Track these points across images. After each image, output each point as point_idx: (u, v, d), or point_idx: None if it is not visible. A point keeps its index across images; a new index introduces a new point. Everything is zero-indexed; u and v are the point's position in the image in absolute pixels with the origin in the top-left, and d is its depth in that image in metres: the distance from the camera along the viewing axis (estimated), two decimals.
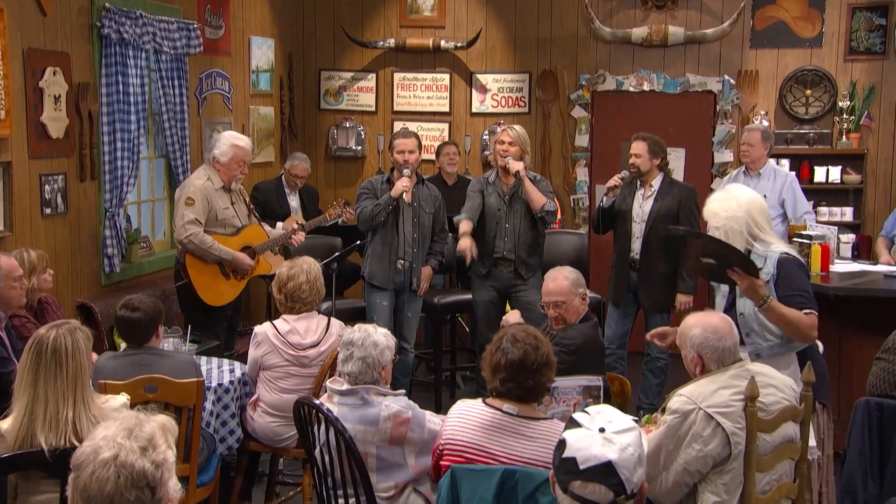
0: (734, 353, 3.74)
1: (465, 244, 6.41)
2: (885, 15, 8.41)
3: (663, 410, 3.79)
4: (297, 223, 6.66)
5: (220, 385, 4.95)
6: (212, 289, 6.19)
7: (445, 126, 9.15)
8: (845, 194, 8.51)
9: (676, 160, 8.79)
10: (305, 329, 5.04)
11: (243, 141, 6.37)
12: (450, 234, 7.12)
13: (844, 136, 8.43)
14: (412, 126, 8.99)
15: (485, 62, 9.12)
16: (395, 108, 9.26)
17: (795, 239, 6.34)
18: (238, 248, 6.28)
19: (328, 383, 4.07)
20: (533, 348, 3.50)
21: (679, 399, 3.66)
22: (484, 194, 6.68)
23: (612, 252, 6.84)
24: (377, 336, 4.02)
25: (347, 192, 9.28)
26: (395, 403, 3.93)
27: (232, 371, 5.18)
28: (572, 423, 2.47)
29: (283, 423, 5.02)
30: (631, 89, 8.90)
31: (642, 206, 6.68)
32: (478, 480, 3.35)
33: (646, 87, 8.85)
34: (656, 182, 6.69)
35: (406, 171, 6.58)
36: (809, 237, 6.22)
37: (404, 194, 6.53)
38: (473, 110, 9.16)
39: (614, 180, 6.63)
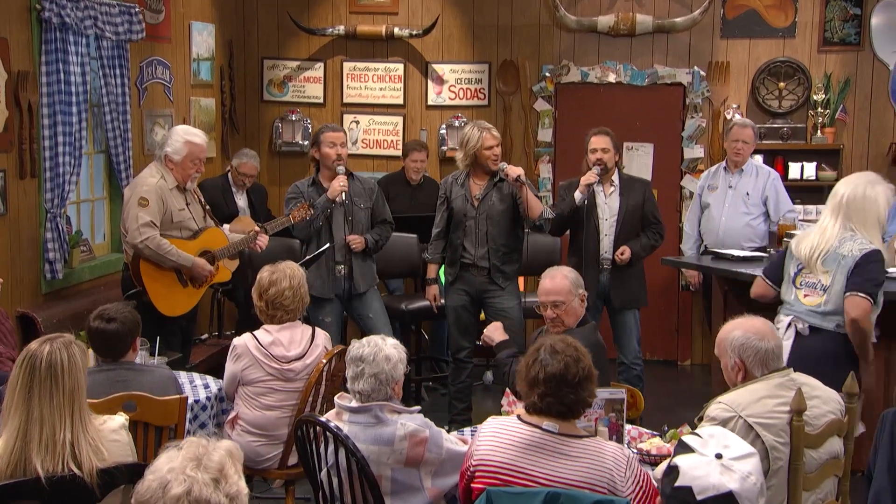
0: (778, 357, 3.74)
1: (431, 293, 6.72)
2: (859, 4, 8.55)
3: (700, 419, 3.77)
4: (259, 226, 6.48)
5: (196, 402, 4.80)
6: (168, 298, 6.00)
7: (399, 119, 9.05)
8: (820, 192, 8.62)
9: (644, 156, 8.85)
10: (289, 340, 4.91)
11: (199, 137, 6.20)
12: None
13: (819, 131, 8.55)
14: (364, 119, 8.94)
15: (441, 51, 9.04)
16: (345, 100, 9.13)
17: (786, 239, 6.36)
18: (196, 252, 6.11)
19: (337, 399, 3.94)
20: (574, 360, 3.42)
21: (718, 406, 3.65)
22: (449, 199, 6.60)
23: (572, 254, 6.83)
24: (388, 349, 3.92)
25: None
26: (411, 422, 3.83)
27: (207, 386, 5.02)
28: (683, 448, 2.39)
29: (264, 443, 4.88)
30: (596, 81, 8.89)
31: (608, 203, 6.74)
32: None
33: (612, 79, 8.86)
34: (615, 177, 6.81)
35: (340, 169, 6.48)
36: None
37: (343, 194, 6.41)
38: (429, 103, 9.07)
39: (593, 177, 6.62)
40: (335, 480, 3.84)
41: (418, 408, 3.98)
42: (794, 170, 8.53)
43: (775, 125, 8.60)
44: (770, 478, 3.53)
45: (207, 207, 6.38)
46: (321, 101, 9.16)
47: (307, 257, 6.16)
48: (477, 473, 3.45)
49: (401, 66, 9.05)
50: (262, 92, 9.22)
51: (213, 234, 6.22)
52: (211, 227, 6.24)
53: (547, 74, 8.92)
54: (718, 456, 2.32)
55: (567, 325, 4.80)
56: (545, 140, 8.97)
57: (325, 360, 4.87)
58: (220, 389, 4.97)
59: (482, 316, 6.72)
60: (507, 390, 4.67)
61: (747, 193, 7.36)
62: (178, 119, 7.99)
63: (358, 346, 3.95)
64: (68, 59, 6.29)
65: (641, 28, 8.70)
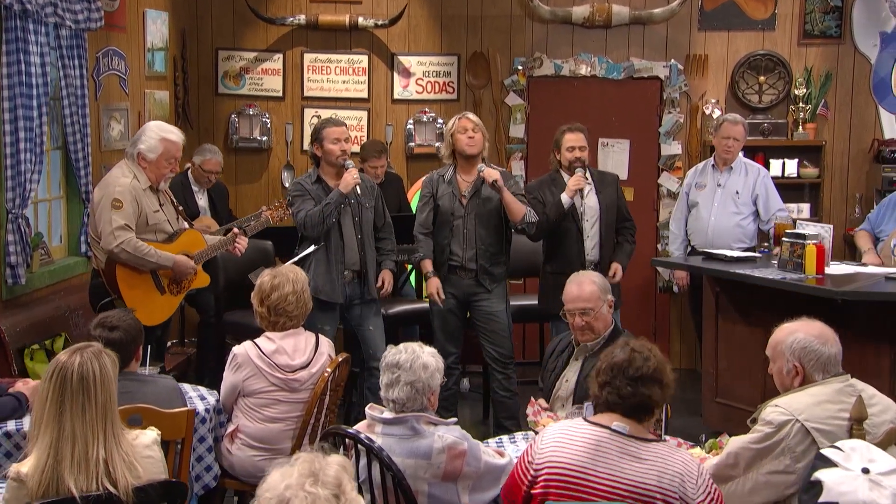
0: (837, 364, 3.81)
1: (433, 286, 6.52)
2: None
3: (753, 421, 3.84)
4: (239, 228, 6.42)
5: (196, 414, 4.73)
6: (146, 306, 5.92)
7: (364, 114, 9.03)
8: (801, 189, 8.81)
9: (620, 153, 8.95)
10: (293, 348, 4.88)
11: (174, 134, 6.13)
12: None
13: (801, 127, 8.72)
14: (326, 114, 8.85)
15: (408, 43, 9.05)
16: (306, 94, 9.08)
17: (786, 239, 6.50)
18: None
19: (368, 410, 3.93)
20: (642, 357, 3.46)
21: (774, 410, 3.72)
22: (435, 197, 6.60)
23: (553, 259, 6.87)
24: (426, 357, 3.92)
25: (251, 190, 9.08)
26: (449, 434, 3.84)
27: (203, 398, 4.97)
28: (823, 461, 2.41)
29: (266, 457, 4.84)
30: (570, 74, 8.97)
31: (586, 203, 6.78)
32: None
33: (587, 72, 8.94)
34: (587, 174, 6.83)
35: (348, 163, 6.47)
36: (803, 236, 6.39)
37: (357, 188, 6.40)
38: (395, 97, 9.06)
39: (583, 181, 6.68)
40: (367, 497, 3.83)
41: (455, 419, 3.99)
42: (775, 167, 8.68)
43: (755, 121, 8.75)
44: None
45: (181, 209, 6.31)
46: (280, 94, 9.10)
47: (291, 260, 6.10)
48: (541, 478, 3.42)
49: (365, 58, 9.03)
50: (216, 84, 9.13)
51: (192, 237, 6.15)
52: (188, 230, 6.18)
53: (519, 67, 8.97)
54: (865, 471, 2.34)
55: (597, 333, 4.81)
56: (517, 136, 9.02)
57: (329, 370, 4.85)
58: (217, 401, 4.92)
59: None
60: (532, 399, 4.69)
61: (737, 192, 7.48)
62: (133, 113, 7.89)
63: (394, 353, 3.94)
64: (29, 48, 6.18)
65: (618, 19, 8.80)
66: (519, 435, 4.58)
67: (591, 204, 6.76)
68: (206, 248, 6.19)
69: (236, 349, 4.88)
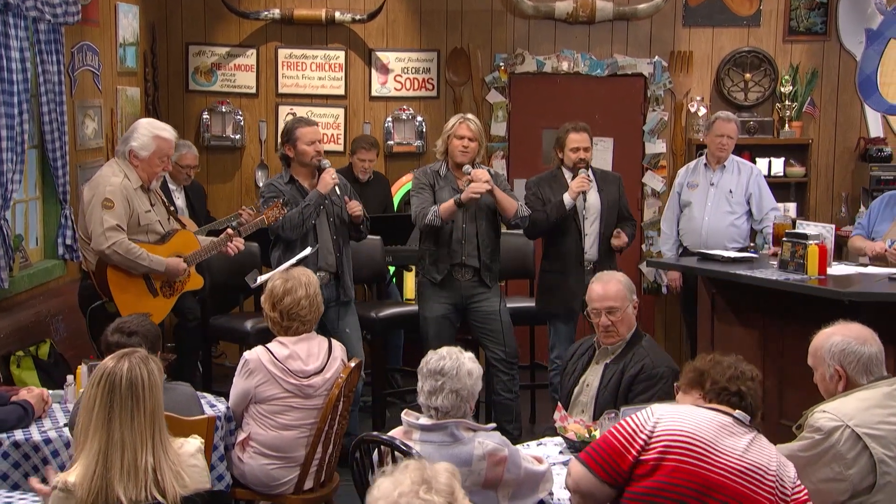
0: (880, 364, 3.89)
1: (473, 188, 6.41)
2: None
3: (799, 428, 3.92)
4: (233, 228, 6.43)
5: None
6: (138, 308, 5.87)
7: (340, 112, 9.06)
8: (787, 188, 8.97)
9: (604, 151, 9.05)
10: (307, 353, 4.91)
11: (167, 132, 6.14)
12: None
13: (787, 125, 8.89)
14: (301, 112, 8.89)
15: (386, 38, 9.09)
16: (280, 91, 9.09)
17: (786, 240, 6.61)
18: (167, 257, 6.03)
19: (405, 416, 3.98)
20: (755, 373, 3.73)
21: (823, 415, 3.78)
22: (434, 189, 6.65)
23: (551, 258, 6.97)
24: (469, 364, 3.97)
25: (223, 190, 9.06)
26: (489, 440, 3.89)
27: (213, 406, 4.98)
28: None
29: (280, 466, 4.88)
30: (552, 71, 9.06)
31: (587, 200, 6.88)
32: None
33: (569, 69, 9.04)
34: (590, 173, 6.95)
35: (325, 163, 6.51)
36: (805, 237, 6.50)
37: (336, 188, 6.44)
38: (373, 94, 9.10)
39: (586, 183, 6.76)
40: None
41: (493, 425, 4.04)
42: (761, 165, 8.78)
43: (741, 118, 8.85)
44: (876, 493, 3.69)
45: (172, 209, 6.31)
46: (254, 91, 9.10)
47: (288, 263, 6.09)
48: (657, 444, 3.46)
49: (342, 54, 9.06)
50: (187, 81, 9.11)
51: (184, 238, 6.16)
52: (181, 230, 6.18)
53: (500, 64, 9.04)
54: None
55: (621, 335, 4.88)
56: (499, 134, 9.09)
57: (343, 375, 4.89)
58: (227, 408, 4.93)
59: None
60: (559, 404, 4.76)
61: (730, 191, 7.60)
62: (106, 111, 7.85)
63: (437, 359, 3.98)
64: (9, 43, 6.13)
65: (601, 15, 8.91)
66: (547, 440, 4.64)
67: (592, 203, 6.86)
68: (199, 250, 6.19)
69: (247, 354, 4.90)
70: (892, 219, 6.94)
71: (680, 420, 3.51)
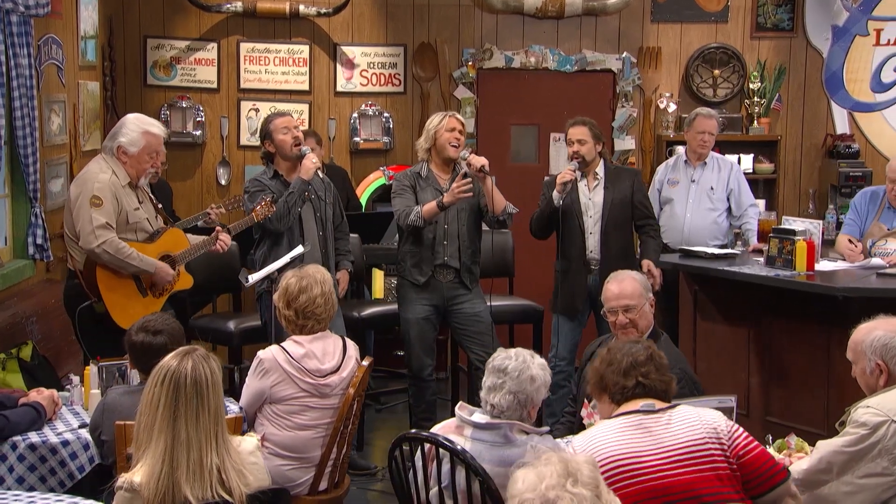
0: None
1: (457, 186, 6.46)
2: None
3: (842, 425, 4.08)
4: (221, 224, 6.46)
5: None
6: (126, 310, 5.91)
7: (305, 107, 9.11)
8: (755, 185, 9.20)
9: None
10: (322, 352, 4.98)
11: (156, 127, 6.16)
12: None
13: (756, 121, 9.14)
14: (264, 107, 8.94)
15: (351, 32, 9.16)
16: (243, 86, 9.11)
17: (773, 236, 6.82)
18: (157, 256, 6.05)
19: (458, 410, 4.08)
20: (657, 352, 3.87)
21: (867, 411, 3.95)
22: (416, 190, 6.73)
23: (560, 257, 7.06)
24: (535, 369, 4.06)
25: (184, 187, 9.05)
26: (542, 444, 3.98)
27: (226, 406, 5.01)
28: None
29: (296, 467, 4.95)
30: (521, 67, 9.21)
31: (591, 199, 6.98)
32: None
33: (538, 64, 9.19)
34: (600, 169, 7.03)
35: (305, 149, 6.58)
36: (793, 233, 6.72)
37: (318, 172, 6.53)
38: (338, 89, 9.17)
39: (569, 174, 6.85)
40: (449, 503, 3.97)
41: (547, 428, 4.15)
42: None
43: None
44: None
45: (160, 206, 6.32)
46: (215, 85, 9.11)
47: (281, 261, 6.13)
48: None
49: (306, 48, 9.11)
50: (145, 75, 9.09)
51: (174, 236, 6.17)
52: (171, 229, 6.19)
53: (468, 59, 9.17)
54: None
55: (640, 332, 5.02)
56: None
57: (359, 374, 4.97)
58: (240, 409, 4.99)
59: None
60: (585, 401, 4.89)
61: (711, 188, 7.78)
62: (69, 105, 7.81)
63: (504, 357, 4.09)
64: None
65: (570, 10, 9.08)
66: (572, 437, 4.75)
67: (596, 200, 6.94)
68: (188, 248, 6.21)
69: (262, 354, 4.95)
70: (875, 215, 7.18)
71: (599, 446, 3.65)
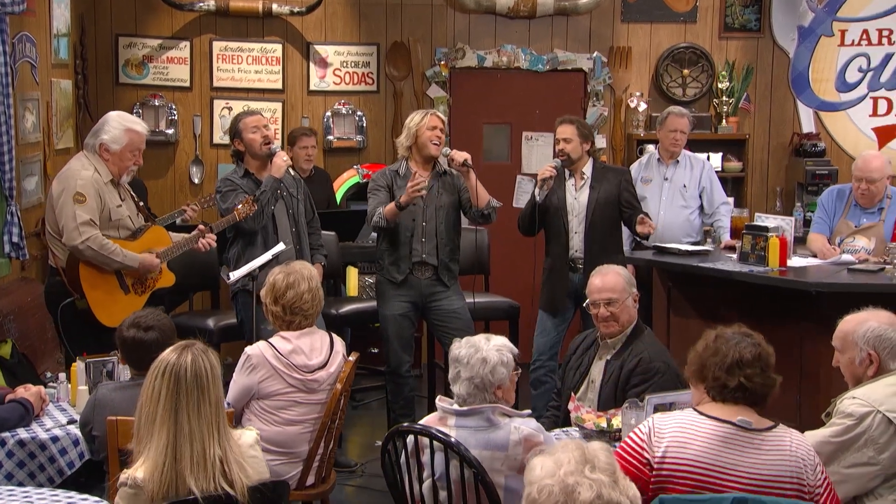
0: None
1: (412, 187, 6.43)
2: None
3: (828, 416, 4.14)
4: (204, 223, 6.45)
5: None
6: (109, 306, 5.91)
7: (278, 106, 9.10)
8: (725, 183, 9.26)
9: (545, 146, 9.26)
10: (310, 347, 4.99)
11: (139, 125, 6.16)
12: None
13: (724, 120, 9.23)
14: (237, 106, 8.92)
15: (324, 31, 9.16)
16: (215, 84, 9.09)
17: (746, 232, 6.89)
18: (140, 253, 6.03)
19: (439, 402, 4.11)
20: (766, 344, 3.72)
21: (853, 402, 4.01)
22: (392, 189, 6.74)
23: (547, 255, 7.09)
24: (488, 352, 4.07)
25: (157, 186, 9.02)
26: (525, 426, 4.03)
27: None
28: None
29: (284, 462, 4.95)
30: (493, 66, 9.25)
31: (577, 198, 6.99)
32: None
33: (510, 64, 9.24)
34: (588, 169, 7.04)
35: (275, 147, 6.62)
36: (765, 229, 6.79)
37: (289, 170, 6.58)
38: (312, 88, 9.17)
39: (548, 170, 6.89)
40: (442, 493, 3.99)
41: (528, 411, 4.18)
42: None
43: None
44: None
45: (141, 204, 6.30)
46: (187, 84, 9.07)
47: (262, 258, 6.13)
48: (663, 471, 3.57)
49: (279, 47, 9.10)
50: (117, 73, 9.04)
51: (156, 234, 6.16)
52: (153, 226, 6.18)
53: (441, 58, 9.20)
54: None
55: (621, 326, 5.06)
56: None
57: (346, 370, 4.99)
58: (228, 405, 4.97)
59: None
60: (572, 394, 4.92)
61: (684, 185, 7.84)
62: (43, 103, 7.76)
63: (457, 347, 4.12)
64: None
65: (542, 10, 9.13)
66: (572, 430, 4.79)
67: (581, 200, 6.95)
68: (171, 246, 6.20)
69: (249, 350, 4.95)
70: (842, 213, 7.28)
71: (682, 443, 3.61)
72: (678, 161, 7.86)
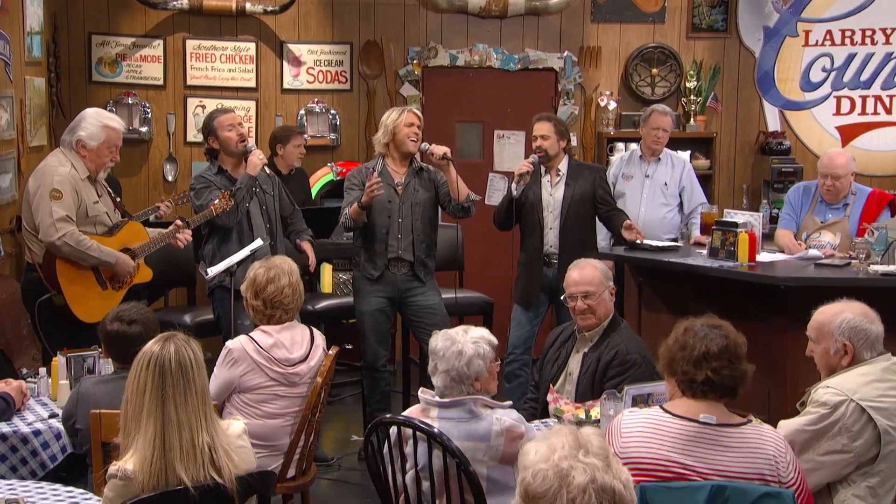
0: (881, 342, 4.19)
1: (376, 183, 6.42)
2: None
3: (802, 405, 4.19)
4: (181, 218, 6.43)
5: None
6: (87, 302, 5.88)
7: (252, 104, 9.07)
8: None
9: (516, 145, 9.29)
10: (291, 341, 4.98)
11: (116, 121, 6.14)
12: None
13: (692, 119, 9.29)
14: (211, 104, 8.87)
15: (298, 30, 9.14)
16: (189, 83, 9.05)
17: (716, 228, 6.94)
18: (117, 249, 6.01)
19: (421, 394, 4.11)
20: (734, 335, 3.68)
21: (827, 391, 4.06)
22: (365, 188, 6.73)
23: (522, 250, 7.11)
24: (464, 344, 4.08)
25: (131, 183, 8.96)
26: (506, 416, 4.04)
27: None
28: None
29: (265, 455, 4.93)
30: (465, 65, 9.26)
31: (553, 194, 7.02)
32: (679, 499, 3.47)
33: (482, 63, 9.25)
34: (563, 166, 7.06)
35: (251, 146, 6.62)
36: (735, 225, 6.84)
37: (265, 168, 6.58)
38: (285, 86, 9.14)
39: (526, 166, 6.92)
40: (425, 484, 4.00)
41: (510, 402, 4.19)
42: None
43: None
44: (879, 462, 3.98)
45: (118, 200, 6.28)
46: (161, 82, 9.03)
47: (240, 254, 6.11)
48: (627, 465, 3.57)
49: (252, 46, 9.07)
50: (90, 72, 8.98)
51: (133, 229, 6.14)
52: (130, 222, 6.16)
53: (413, 57, 9.20)
54: None
55: (598, 319, 5.09)
56: None
57: (326, 363, 4.98)
58: None
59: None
60: (551, 386, 4.94)
61: (665, 183, 7.85)
62: (17, 101, 7.70)
63: (434, 339, 4.13)
64: None
65: (514, 10, 9.15)
66: (550, 421, 4.81)
67: (556, 196, 6.97)
68: (147, 242, 6.18)
69: (230, 344, 4.94)
70: (808, 209, 7.34)
71: (647, 443, 3.59)
72: (660, 159, 7.88)
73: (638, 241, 6.96)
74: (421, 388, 4.18)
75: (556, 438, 2.43)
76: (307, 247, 6.78)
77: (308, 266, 6.76)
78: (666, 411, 3.69)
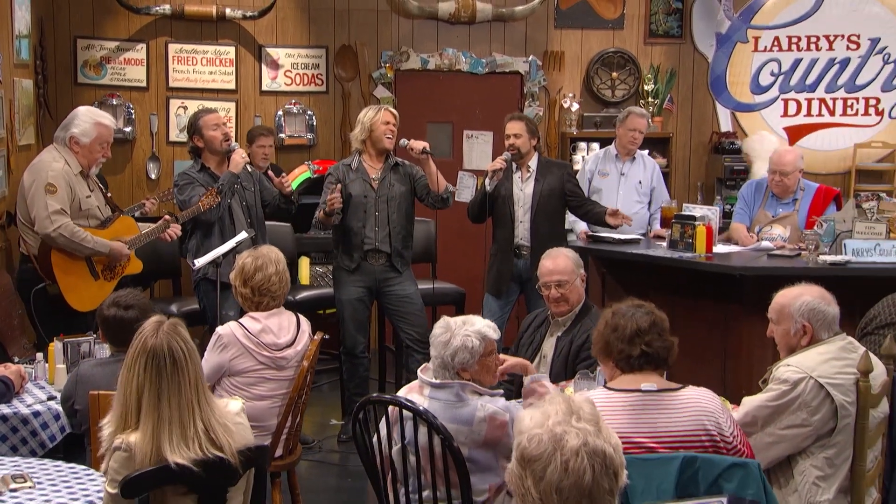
0: (837, 323, 4.26)
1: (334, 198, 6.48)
2: None
3: (765, 382, 4.25)
4: (170, 213, 6.41)
5: None
6: (80, 291, 5.87)
7: (231, 105, 9.04)
8: None
9: (484, 144, 9.33)
10: (278, 327, 4.98)
11: (107, 119, 6.13)
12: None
13: (651, 120, 9.35)
14: (192, 105, 8.86)
15: (276, 34, 9.13)
16: (171, 85, 9.01)
17: (675, 221, 7.00)
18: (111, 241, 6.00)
19: (420, 372, 4.13)
20: (658, 313, 3.81)
21: (788, 369, 4.13)
22: (345, 182, 6.75)
23: (493, 241, 7.14)
24: (454, 336, 4.08)
25: (115, 181, 8.91)
26: (492, 404, 4.03)
27: None
28: None
29: (255, 434, 4.84)
30: (436, 68, 9.29)
31: (523, 189, 7.07)
32: (651, 470, 3.49)
33: (451, 66, 9.28)
34: (533, 162, 7.12)
35: (234, 145, 6.64)
36: (693, 218, 6.91)
37: (247, 166, 6.60)
38: (264, 88, 9.13)
39: (500, 163, 6.96)
40: (412, 458, 4.01)
41: (501, 391, 4.20)
42: None
43: (609, 114, 9.32)
44: (836, 435, 4.06)
45: (109, 195, 6.26)
46: (144, 84, 8.99)
47: (226, 246, 6.11)
48: None
49: (232, 49, 9.05)
50: (75, 74, 8.93)
51: (125, 223, 6.13)
52: (122, 216, 6.15)
53: (386, 61, 9.21)
54: None
55: (571, 305, 5.13)
56: None
57: (312, 348, 4.99)
58: None
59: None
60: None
61: (639, 182, 7.88)
62: (6, 101, 7.64)
63: (435, 326, 4.15)
64: None
65: (481, 16, 9.18)
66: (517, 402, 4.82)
67: (527, 191, 7.02)
68: (139, 235, 6.16)
69: (220, 330, 4.94)
70: (760, 204, 7.42)
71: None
72: (634, 158, 7.92)
73: (628, 225, 7.06)
74: (423, 366, 4.20)
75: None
76: (272, 175, 6.84)
77: (284, 186, 6.82)
78: (610, 389, 3.76)
